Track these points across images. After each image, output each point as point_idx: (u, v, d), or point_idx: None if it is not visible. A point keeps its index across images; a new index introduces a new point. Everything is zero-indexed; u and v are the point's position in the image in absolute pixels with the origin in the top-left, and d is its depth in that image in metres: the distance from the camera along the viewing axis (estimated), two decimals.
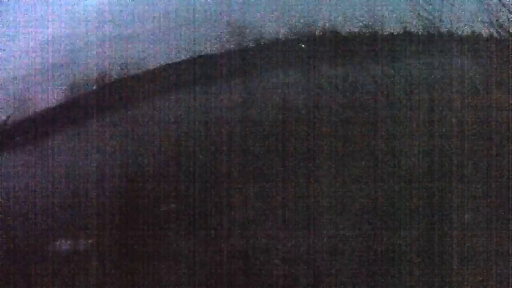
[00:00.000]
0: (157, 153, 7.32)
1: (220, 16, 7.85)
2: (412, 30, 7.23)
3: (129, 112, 7.97)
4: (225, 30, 7.84)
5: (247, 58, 7.80)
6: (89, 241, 6.42)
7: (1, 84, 8.07)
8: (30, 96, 8.02)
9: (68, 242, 6.50)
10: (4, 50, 8.05)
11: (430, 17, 6.90)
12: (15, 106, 8.03)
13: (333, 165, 6.34)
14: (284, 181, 6.32)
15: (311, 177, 6.29)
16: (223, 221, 6.22)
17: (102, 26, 8.22)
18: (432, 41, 7.20)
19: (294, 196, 6.18)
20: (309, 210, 5.94)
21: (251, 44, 7.75)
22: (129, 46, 8.14)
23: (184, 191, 6.76)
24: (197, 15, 7.98)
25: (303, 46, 7.55)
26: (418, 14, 6.79)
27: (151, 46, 8.04)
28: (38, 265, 6.07)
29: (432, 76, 6.91)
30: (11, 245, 6.54)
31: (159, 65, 8.09)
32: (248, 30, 7.82)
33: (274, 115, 7.27)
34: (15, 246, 6.51)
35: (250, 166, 7.10)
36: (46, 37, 8.34)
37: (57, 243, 6.50)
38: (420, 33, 7.22)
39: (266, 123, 7.21)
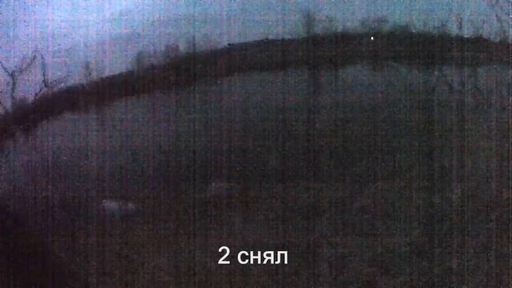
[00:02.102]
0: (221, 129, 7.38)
1: (293, 2, 7.90)
2: (485, 34, 7.25)
3: (193, 89, 8.02)
4: (296, 17, 7.89)
5: (317, 47, 7.83)
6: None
7: (70, 50, 8.20)
8: (96, 63, 8.13)
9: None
10: (74, 20, 8.20)
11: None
12: (82, 71, 8.14)
13: None
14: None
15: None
16: None
17: (175, 5, 8.33)
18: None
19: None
20: None
21: (321, 34, 7.80)
22: (199, 25, 8.22)
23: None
24: None
25: (372, 39, 7.61)
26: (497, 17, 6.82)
27: (220, 27, 8.10)
28: None
29: None
30: None
31: (225, 46, 8.15)
32: (319, 20, 7.88)
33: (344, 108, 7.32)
34: None
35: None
36: (118, 9, 8.46)
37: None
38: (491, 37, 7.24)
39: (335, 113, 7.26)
